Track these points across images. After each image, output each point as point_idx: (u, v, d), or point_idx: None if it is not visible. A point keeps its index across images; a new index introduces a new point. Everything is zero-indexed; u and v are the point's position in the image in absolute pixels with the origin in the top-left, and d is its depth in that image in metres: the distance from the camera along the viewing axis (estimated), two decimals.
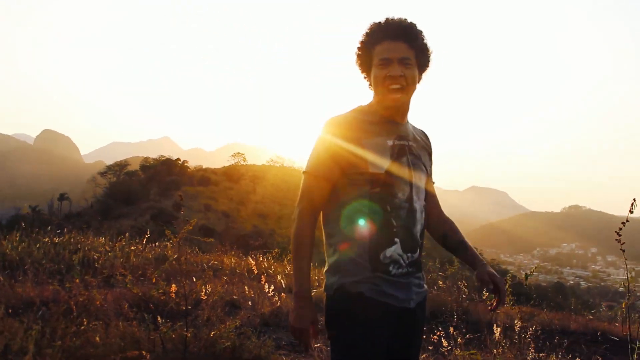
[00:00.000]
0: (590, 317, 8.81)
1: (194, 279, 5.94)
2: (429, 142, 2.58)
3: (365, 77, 2.41)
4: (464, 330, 4.76)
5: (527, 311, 8.72)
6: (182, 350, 3.82)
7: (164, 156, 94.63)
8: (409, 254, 2.31)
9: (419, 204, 2.35)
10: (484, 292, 7.94)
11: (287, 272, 9.43)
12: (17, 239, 8.79)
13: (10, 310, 4.30)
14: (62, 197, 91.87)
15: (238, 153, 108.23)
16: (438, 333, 4.44)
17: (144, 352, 3.74)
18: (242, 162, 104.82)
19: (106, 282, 7.04)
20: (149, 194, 74.57)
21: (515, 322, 4.98)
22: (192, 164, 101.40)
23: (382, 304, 2.24)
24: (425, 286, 2.48)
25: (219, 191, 78.77)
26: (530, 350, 4.43)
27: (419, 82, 2.37)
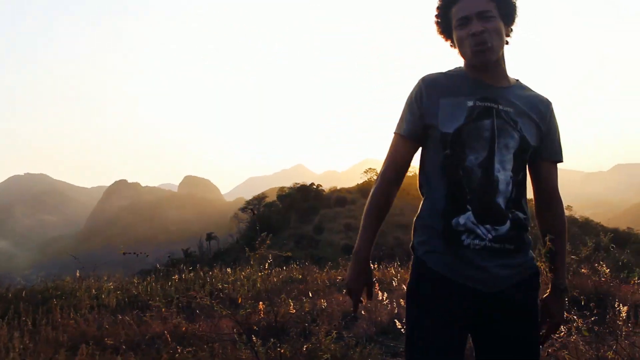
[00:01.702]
0: None
1: (310, 296, 5.88)
2: (548, 112, 2.25)
3: (450, 45, 2.25)
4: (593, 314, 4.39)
5: None
6: None
7: (298, 183, 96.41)
8: (489, 226, 2.07)
9: (504, 175, 2.10)
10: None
11: (403, 277, 9.17)
12: (151, 280, 9.19)
13: (122, 347, 4.40)
14: (210, 236, 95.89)
15: (370, 169, 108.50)
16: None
17: None
18: (375, 177, 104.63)
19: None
20: (290, 221, 76.27)
21: None
22: (326, 186, 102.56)
23: (449, 281, 2.10)
24: (532, 264, 2.19)
25: (357, 209, 79.02)
26: None
27: (508, 35, 2.19)
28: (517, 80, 2.28)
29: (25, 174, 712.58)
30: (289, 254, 5.91)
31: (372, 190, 2.27)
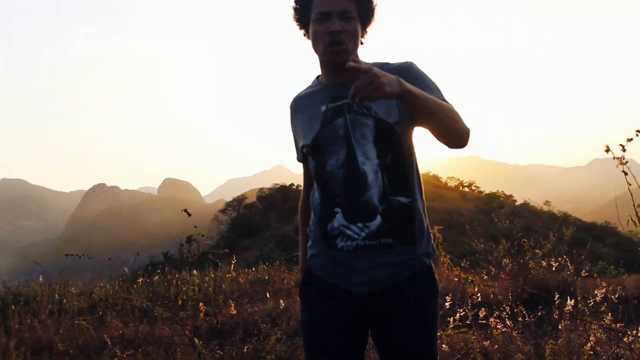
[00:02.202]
0: None
1: (268, 297, 5.84)
2: (402, 74, 1.91)
3: (304, 35, 2.18)
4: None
5: None
6: None
7: (278, 184, 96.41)
8: (360, 224, 2.06)
9: (370, 166, 2.06)
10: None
11: None
12: (116, 284, 9.12)
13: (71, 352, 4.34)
14: (190, 239, 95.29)
15: None
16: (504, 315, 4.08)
17: None
18: None
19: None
20: (270, 222, 76.15)
21: (597, 291, 4.50)
22: None
23: (330, 285, 2.14)
24: (417, 261, 2.12)
25: None
26: (606, 319, 3.92)
27: (363, 37, 2.14)
28: (371, 64, 1.90)
29: (2, 179, 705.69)
30: (226, 250, 5.81)
31: (299, 210, 2.50)
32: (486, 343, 4.17)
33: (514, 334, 4.07)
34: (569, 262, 7.28)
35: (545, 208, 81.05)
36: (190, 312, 3.96)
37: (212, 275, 10.13)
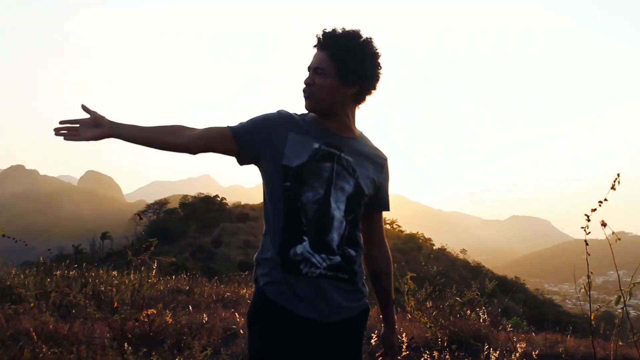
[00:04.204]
0: (621, 343, 8.33)
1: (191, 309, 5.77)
2: (384, 168, 2.51)
3: None
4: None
5: (552, 338, 8.40)
6: None
7: (203, 193, 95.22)
8: (324, 255, 2.22)
9: (338, 213, 2.29)
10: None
11: None
12: (30, 273, 8.80)
13: None
14: (104, 235, 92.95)
15: None
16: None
17: None
18: None
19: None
20: (189, 231, 75.05)
21: (518, 346, 4.69)
22: (231, 200, 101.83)
23: (288, 312, 2.19)
24: (364, 301, 2.41)
25: (258, 227, 78.68)
26: None
27: (360, 99, 2.37)
28: (361, 133, 2.46)
29: None
30: (174, 259, 5.78)
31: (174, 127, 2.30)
32: None
33: None
34: (486, 314, 7.51)
35: (461, 256, 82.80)
36: (123, 315, 3.86)
37: (132, 278, 9.90)
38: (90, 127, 2.24)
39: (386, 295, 2.55)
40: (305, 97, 2.30)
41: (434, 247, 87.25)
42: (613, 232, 3.27)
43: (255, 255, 2.35)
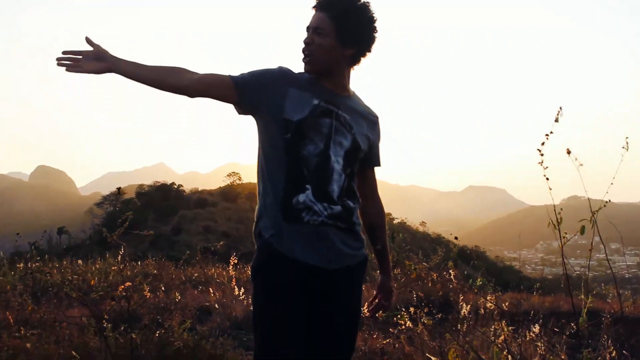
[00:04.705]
0: (581, 296, 8.57)
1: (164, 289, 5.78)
2: (377, 126, 2.61)
3: None
4: (436, 313, 4.63)
5: (518, 296, 8.61)
6: (129, 354, 3.67)
7: (159, 182, 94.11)
8: (326, 204, 2.30)
9: (338, 166, 2.36)
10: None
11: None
12: None
13: None
14: (61, 230, 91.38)
15: (233, 172, 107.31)
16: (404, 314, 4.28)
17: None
18: (238, 182, 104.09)
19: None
20: (147, 220, 74.27)
21: (488, 303, 4.84)
22: (188, 187, 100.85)
23: (293, 261, 2.26)
24: (363, 251, 2.49)
25: (217, 212, 78.29)
26: (499, 324, 4.28)
27: (356, 60, 2.42)
28: (354, 92, 2.53)
29: None
30: (152, 232, 5.76)
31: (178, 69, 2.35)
32: (385, 342, 4.34)
33: (416, 334, 4.25)
34: (452, 277, 7.68)
35: (421, 229, 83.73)
36: (101, 292, 3.86)
37: (98, 266, 9.84)
38: (93, 60, 2.31)
39: (382, 247, 2.68)
40: (305, 57, 2.35)
41: (395, 222, 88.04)
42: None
43: (256, 209, 2.39)
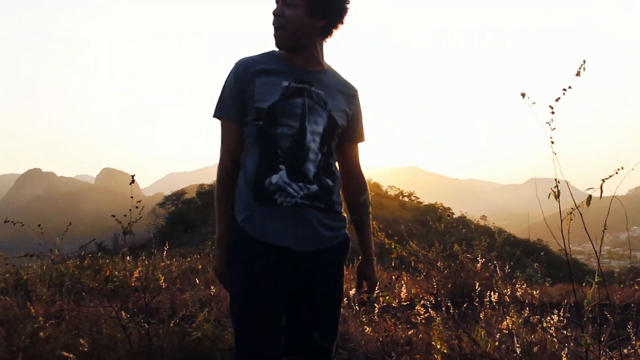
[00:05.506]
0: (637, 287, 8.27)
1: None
2: (355, 100, 2.53)
3: None
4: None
5: (568, 288, 8.39)
6: (146, 344, 3.71)
7: None
8: (302, 184, 2.23)
9: (314, 145, 2.30)
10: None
11: None
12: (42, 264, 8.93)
13: None
14: (126, 230, 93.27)
15: None
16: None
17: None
18: None
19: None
20: (208, 219, 75.23)
21: (518, 291, 4.70)
22: None
23: (267, 245, 2.19)
24: (344, 231, 2.41)
25: None
26: (526, 312, 4.15)
27: (328, 32, 2.35)
28: (330, 66, 2.47)
29: None
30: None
31: (216, 177, 2.36)
32: (410, 332, 4.27)
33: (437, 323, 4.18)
34: (497, 269, 7.50)
35: (482, 222, 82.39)
36: (117, 283, 3.92)
37: (146, 262, 9.99)
38: None
39: (362, 226, 2.58)
40: (275, 30, 2.28)
41: (454, 216, 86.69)
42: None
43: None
